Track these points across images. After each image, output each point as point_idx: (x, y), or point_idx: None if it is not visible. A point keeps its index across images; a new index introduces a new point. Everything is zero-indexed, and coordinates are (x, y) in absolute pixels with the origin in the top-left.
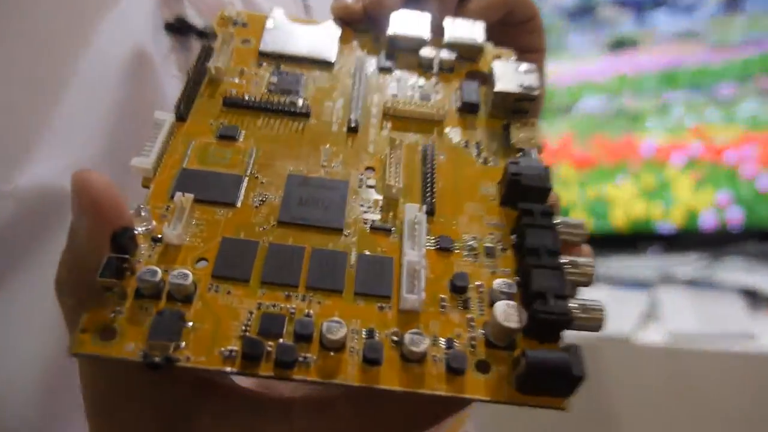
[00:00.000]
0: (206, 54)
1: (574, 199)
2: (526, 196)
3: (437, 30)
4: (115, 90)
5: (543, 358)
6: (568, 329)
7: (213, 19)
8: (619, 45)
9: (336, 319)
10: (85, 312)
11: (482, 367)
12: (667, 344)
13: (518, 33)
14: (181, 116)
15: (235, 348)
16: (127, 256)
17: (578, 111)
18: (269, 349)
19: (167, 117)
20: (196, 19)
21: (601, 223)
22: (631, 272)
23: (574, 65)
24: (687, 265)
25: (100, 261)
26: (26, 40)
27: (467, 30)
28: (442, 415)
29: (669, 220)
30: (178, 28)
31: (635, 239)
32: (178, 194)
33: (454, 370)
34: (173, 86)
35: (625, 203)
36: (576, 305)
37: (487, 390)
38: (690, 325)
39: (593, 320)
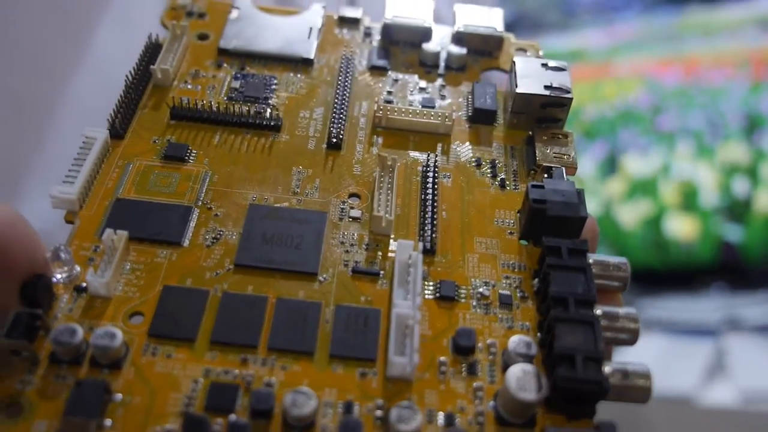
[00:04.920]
0: (151, 53)
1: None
2: (552, 228)
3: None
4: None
5: None
6: (602, 401)
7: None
8: None
9: (303, 389)
10: None
11: None
12: (740, 405)
13: None
14: (116, 132)
15: (174, 427)
16: (39, 312)
17: None
18: (217, 428)
19: (99, 134)
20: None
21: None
22: (692, 316)
23: None
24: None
25: (6, 319)
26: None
27: (483, 17)
28: None
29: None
30: None
31: (694, 274)
32: (109, 231)
33: None
34: None
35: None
36: (613, 370)
37: None
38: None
39: (637, 390)
